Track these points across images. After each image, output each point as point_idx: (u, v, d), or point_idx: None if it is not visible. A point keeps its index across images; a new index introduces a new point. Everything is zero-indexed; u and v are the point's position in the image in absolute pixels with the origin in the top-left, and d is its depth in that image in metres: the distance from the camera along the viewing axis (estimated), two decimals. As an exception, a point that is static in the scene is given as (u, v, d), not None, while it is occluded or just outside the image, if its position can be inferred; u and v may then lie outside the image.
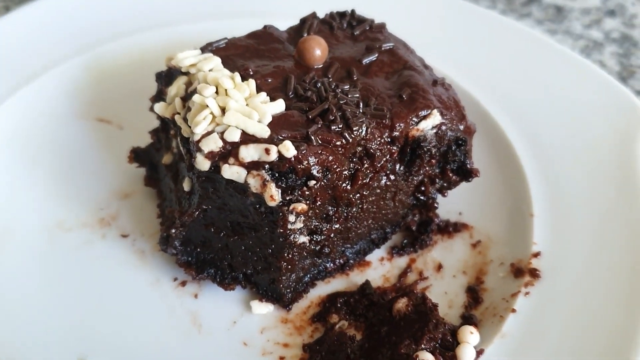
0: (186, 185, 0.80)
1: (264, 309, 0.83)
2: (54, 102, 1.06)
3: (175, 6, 1.17)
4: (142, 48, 1.12)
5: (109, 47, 1.12)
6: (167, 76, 0.86)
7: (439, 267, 0.87)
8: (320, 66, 0.84)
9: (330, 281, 0.86)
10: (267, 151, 0.71)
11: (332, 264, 0.85)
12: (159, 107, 0.83)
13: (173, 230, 0.80)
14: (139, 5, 1.16)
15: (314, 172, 0.73)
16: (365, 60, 0.84)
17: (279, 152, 0.72)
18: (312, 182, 0.73)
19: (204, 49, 0.85)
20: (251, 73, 0.80)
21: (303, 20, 0.91)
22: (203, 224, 0.80)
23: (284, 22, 0.95)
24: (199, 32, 1.11)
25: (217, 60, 0.82)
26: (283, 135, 0.73)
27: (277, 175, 0.72)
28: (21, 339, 0.79)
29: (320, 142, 0.73)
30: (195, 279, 0.84)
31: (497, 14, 1.22)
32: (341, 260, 0.86)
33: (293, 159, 0.71)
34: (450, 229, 0.90)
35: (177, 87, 0.82)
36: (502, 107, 1.02)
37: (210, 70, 0.80)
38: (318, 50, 0.83)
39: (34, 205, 0.93)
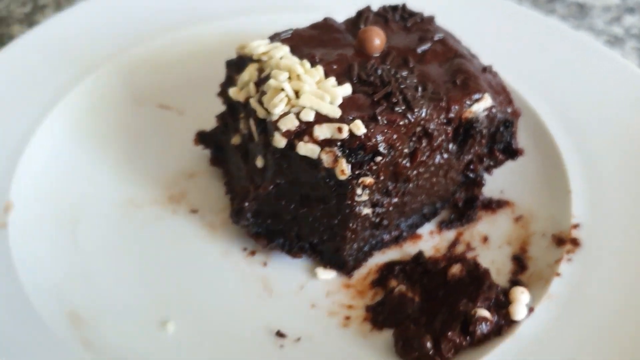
0: (259, 163, 0.87)
1: (328, 275, 0.90)
2: (117, 90, 1.14)
3: (227, 1, 1.25)
4: (197, 39, 1.20)
5: (166, 38, 1.19)
6: (237, 64, 0.94)
7: (485, 239, 0.95)
8: (378, 55, 0.92)
9: (386, 252, 0.94)
10: (339, 130, 0.79)
11: (388, 236, 0.93)
12: (233, 91, 0.91)
13: (246, 204, 0.88)
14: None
15: (381, 148, 0.81)
16: (420, 49, 0.92)
17: (349, 130, 0.80)
18: (379, 158, 0.81)
19: (272, 39, 0.93)
20: (318, 60, 0.88)
21: (359, 13, 0.99)
22: (274, 197, 0.88)
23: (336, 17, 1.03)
24: (252, 24, 1.19)
25: (286, 49, 0.90)
26: (353, 116, 0.81)
27: (347, 151, 0.80)
28: (107, 305, 0.86)
29: (385, 121, 0.81)
30: (265, 249, 0.92)
31: (528, 9, 1.30)
32: (396, 233, 0.94)
33: (363, 136, 0.79)
34: (494, 205, 0.98)
35: (249, 73, 0.90)
36: (536, 92, 1.09)
37: (281, 58, 0.88)
38: (377, 39, 0.91)
39: (105, 185, 1.01)
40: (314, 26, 0.96)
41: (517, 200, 0.99)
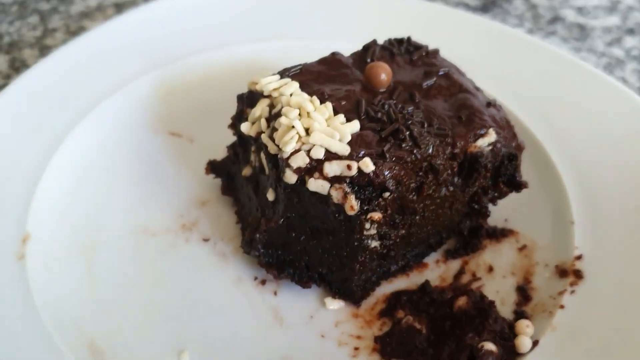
0: (270, 196, 0.90)
1: (336, 304, 0.93)
2: (129, 117, 1.16)
3: (238, 27, 1.28)
4: (207, 67, 1.23)
5: (176, 66, 1.22)
6: (249, 98, 0.96)
7: (490, 269, 0.97)
8: (385, 90, 0.94)
9: (393, 281, 0.97)
10: (348, 167, 0.82)
11: (395, 266, 0.96)
12: (245, 126, 0.93)
13: (258, 235, 0.91)
14: (208, 25, 1.26)
15: (389, 185, 0.83)
16: (425, 84, 0.95)
17: (358, 167, 0.82)
18: (386, 194, 0.84)
19: (282, 74, 0.96)
20: (327, 97, 0.91)
21: (366, 47, 1.01)
22: (285, 229, 0.90)
23: (341, 45, 1.06)
24: (262, 52, 1.22)
25: (295, 85, 0.92)
26: (362, 153, 0.83)
27: (356, 188, 0.83)
28: (125, 335, 0.88)
29: (393, 158, 0.84)
30: (276, 278, 0.94)
31: (533, 38, 1.32)
32: (402, 262, 0.97)
33: (371, 173, 0.82)
34: (498, 234, 1.01)
35: (261, 109, 0.92)
36: (539, 123, 1.12)
37: (291, 95, 0.91)
38: (384, 75, 0.94)
39: (121, 213, 1.04)
40: (322, 61, 0.99)
41: (521, 229, 1.01)
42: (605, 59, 1.46)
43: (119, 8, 1.58)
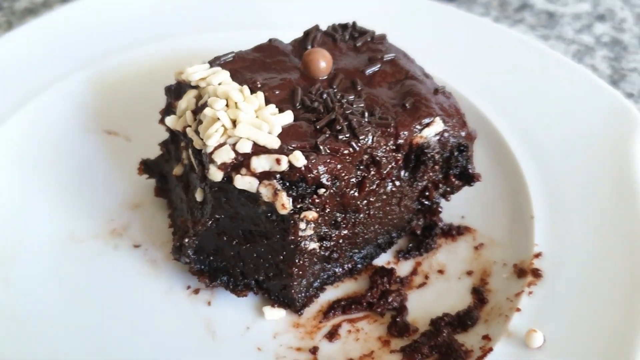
0: (198, 196, 0.82)
1: (276, 314, 0.85)
2: (60, 116, 1.08)
3: (178, 18, 1.19)
4: (146, 60, 1.15)
5: (113, 61, 1.14)
6: (176, 90, 0.88)
7: (444, 270, 0.89)
8: (325, 77, 0.86)
9: (339, 285, 0.89)
10: (277, 161, 0.74)
11: (340, 269, 0.88)
12: (170, 120, 0.85)
13: (186, 240, 0.83)
14: (143, 18, 1.18)
15: (324, 180, 0.75)
16: (369, 71, 0.87)
17: (289, 161, 0.74)
18: (322, 190, 0.76)
19: (212, 63, 0.88)
20: (259, 86, 0.83)
21: (307, 33, 0.93)
22: (215, 232, 0.82)
23: (287, 34, 0.98)
24: (202, 43, 1.14)
25: (225, 74, 0.84)
26: (293, 146, 0.76)
27: (287, 184, 0.75)
28: (38, 349, 0.80)
29: (328, 151, 0.76)
30: (208, 287, 0.86)
31: (491, 22, 1.26)
32: (349, 265, 0.89)
33: (303, 168, 0.74)
34: (454, 232, 0.93)
35: (187, 101, 0.84)
36: (500, 113, 1.04)
37: (219, 84, 0.83)
38: (323, 62, 0.86)
39: (46, 217, 0.95)
40: (258, 48, 0.91)
41: (479, 226, 0.94)
42: (575, 46, 1.39)
43: (66, 3, 1.49)
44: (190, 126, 0.82)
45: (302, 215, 0.76)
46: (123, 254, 0.92)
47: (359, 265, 0.90)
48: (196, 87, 0.85)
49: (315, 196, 0.76)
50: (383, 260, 0.92)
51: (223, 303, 0.86)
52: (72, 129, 1.07)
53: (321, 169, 0.75)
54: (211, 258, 0.85)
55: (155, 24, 1.18)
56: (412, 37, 1.05)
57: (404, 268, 0.90)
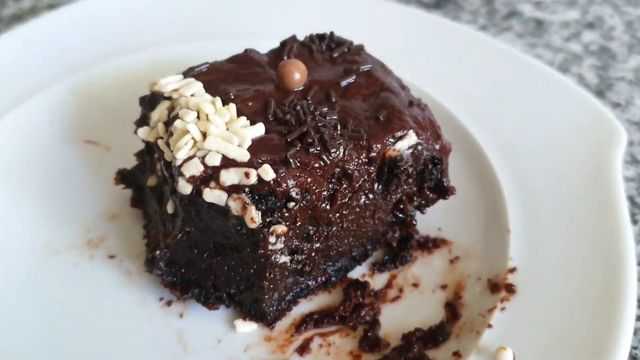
0: (170, 208, 0.82)
1: (247, 327, 0.84)
2: (41, 125, 1.08)
3: (158, 28, 1.19)
4: (127, 70, 1.15)
5: (94, 70, 1.14)
6: (150, 101, 0.88)
7: (419, 283, 0.89)
8: (300, 89, 0.86)
9: (313, 298, 0.88)
10: (246, 175, 0.73)
11: (314, 282, 0.87)
12: (143, 131, 0.85)
13: (158, 252, 0.82)
14: (122, 28, 1.18)
15: (293, 194, 0.75)
16: (343, 83, 0.87)
17: (258, 175, 0.74)
18: (292, 204, 0.76)
19: (186, 74, 0.87)
20: (232, 97, 0.83)
21: (283, 44, 0.93)
22: (187, 245, 0.82)
23: (266, 43, 0.98)
24: (182, 53, 1.14)
25: (199, 85, 0.84)
26: (262, 159, 0.75)
27: (257, 197, 0.74)
28: (13, 357, 0.80)
29: (298, 164, 0.76)
30: (180, 299, 0.86)
31: (474, 31, 1.25)
32: (323, 278, 0.88)
33: (272, 182, 0.73)
34: (430, 244, 0.92)
35: (159, 112, 0.84)
36: (480, 125, 1.04)
37: (192, 95, 0.83)
38: (297, 73, 0.85)
39: (22, 228, 0.95)
40: (233, 59, 0.91)
41: (455, 238, 0.93)
42: (562, 54, 1.38)
43: (50, 11, 1.49)
44: (162, 138, 0.82)
45: (271, 229, 0.75)
46: (98, 265, 0.91)
47: (333, 278, 0.89)
48: (169, 98, 0.85)
49: (284, 210, 0.75)
50: (358, 272, 0.91)
51: (195, 316, 0.86)
52: (52, 139, 1.07)
53: (290, 182, 0.74)
54: (183, 270, 0.85)
55: (137, 33, 1.18)
56: (392, 46, 1.05)
57: (379, 281, 0.90)
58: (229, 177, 0.74)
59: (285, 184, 0.74)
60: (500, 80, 1.09)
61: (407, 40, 1.15)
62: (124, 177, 0.98)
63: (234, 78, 0.87)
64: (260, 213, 0.74)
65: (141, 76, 1.14)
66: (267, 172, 0.73)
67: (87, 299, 0.87)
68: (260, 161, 0.75)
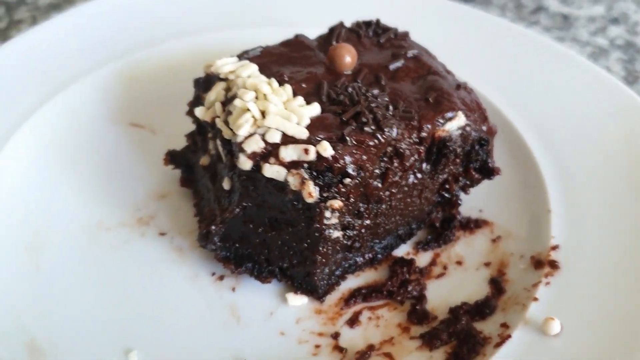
0: (226, 185, 0.85)
1: (298, 301, 0.87)
2: (88, 108, 1.11)
3: (204, 15, 1.22)
4: (172, 56, 1.18)
5: (139, 55, 1.17)
6: (205, 82, 0.91)
7: (462, 261, 0.92)
8: (350, 72, 0.89)
9: (360, 274, 0.91)
10: (305, 151, 0.77)
11: (361, 258, 0.90)
12: (199, 111, 0.88)
13: (213, 227, 0.85)
14: (169, 14, 1.22)
15: (349, 170, 0.78)
16: (392, 67, 0.90)
17: (317, 152, 0.77)
18: (347, 180, 0.79)
19: (240, 57, 0.90)
20: (286, 79, 0.86)
21: (331, 29, 0.96)
22: (242, 220, 0.85)
23: (311, 31, 1.01)
24: (227, 40, 1.16)
25: (254, 67, 0.87)
26: (320, 137, 0.78)
27: (314, 173, 0.77)
28: (69, 334, 0.83)
29: (354, 142, 0.79)
30: (234, 274, 0.89)
31: (508, 22, 1.28)
32: (370, 255, 0.91)
33: (330, 158, 0.76)
34: (472, 225, 0.95)
35: (216, 93, 0.87)
36: (517, 110, 1.07)
37: (248, 77, 0.86)
38: (348, 57, 0.88)
39: (73, 206, 0.98)
40: (285, 43, 0.94)
41: (496, 220, 0.96)
42: (589, 48, 1.41)
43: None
44: (219, 117, 0.85)
45: (327, 204, 0.79)
46: (150, 242, 0.94)
47: (379, 256, 0.92)
48: (225, 79, 0.88)
49: (340, 186, 0.78)
50: (402, 251, 0.94)
51: (247, 289, 0.89)
52: (98, 121, 1.10)
53: (347, 159, 0.77)
54: (237, 245, 0.88)
55: (180, 19, 1.21)
56: (431, 36, 1.08)
57: (422, 259, 0.93)
58: (288, 153, 0.77)
59: (342, 161, 0.77)
60: (535, 68, 1.12)
61: (444, 30, 1.17)
62: (173, 157, 1.01)
63: (286, 61, 0.90)
64: (317, 188, 0.77)
65: (183, 62, 1.17)
66: (326, 149, 0.76)
67: (140, 274, 0.90)
68: (318, 138, 0.78)
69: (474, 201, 0.97)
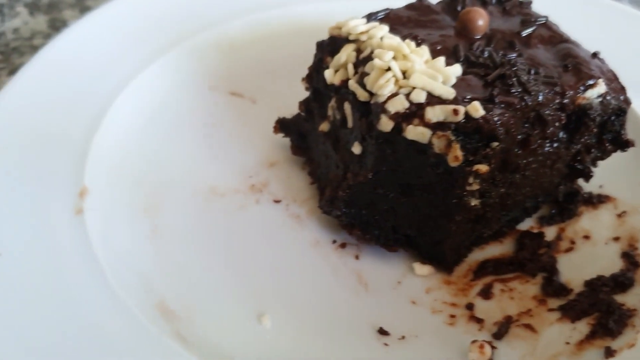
0: (356, 149, 0.82)
1: (426, 270, 0.85)
2: (187, 74, 1.09)
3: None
4: (270, 25, 1.15)
5: (237, 23, 1.15)
6: (330, 44, 0.88)
7: (590, 235, 0.89)
8: (481, 37, 0.86)
9: (485, 247, 0.89)
10: (455, 112, 0.74)
11: (488, 231, 0.88)
12: (328, 73, 0.85)
13: (340, 192, 0.83)
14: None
15: (499, 133, 0.75)
16: (524, 33, 0.87)
17: (466, 112, 0.74)
18: (495, 144, 0.76)
19: (368, 18, 0.88)
20: (420, 41, 0.83)
21: (455, -5, 0.94)
22: (372, 186, 0.82)
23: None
24: (327, 11, 1.13)
25: (385, 28, 0.84)
26: (469, 97, 0.76)
27: (462, 136, 0.75)
28: (198, 297, 0.81)
29: (503, 104, 0.76)
30: (360, 240, 0.86)
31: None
32: (496, 228, 0.88)
33: (481, 119, 0.74)
34: (594, 200, 0.93)
35: (346, 54, 0.84)
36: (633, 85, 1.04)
37: (381, 38, 0.83)
38: (481, 20, 0.86)
39: (185, 170, 0.96)
40: (410, 6, 0.91)
41: (619, 195, 0.93)
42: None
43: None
44: (350, 79, 0.83)
45: (472, 169, 0.76)
46: (265, 208, 0.92)
47: (504, 229, 0.89)
48: (354, 41, 0.85)
49: (488, 149, 0.76)
50: (526, 225, 0.91)
51: (370, 258, 0.86)
52: (198, 89, 1.08)
53: (497, 121, 0.75)
54: (363, 212, 0.85)
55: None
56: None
57: (548, 233, 0.90)
58: (435, 114, 0.74)
59: (492, 122, 0.74)
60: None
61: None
62: (283, 125, 0.98)
63: (415, 24, 0.87)
64: (464, 152, 0.75)
65: (280, 32, 1.15)
66: (477, 110, 0.74)
67: (260, 240, 0.88)
68: (466, 99, 0.75)
69: (593, 178, 0.94)
